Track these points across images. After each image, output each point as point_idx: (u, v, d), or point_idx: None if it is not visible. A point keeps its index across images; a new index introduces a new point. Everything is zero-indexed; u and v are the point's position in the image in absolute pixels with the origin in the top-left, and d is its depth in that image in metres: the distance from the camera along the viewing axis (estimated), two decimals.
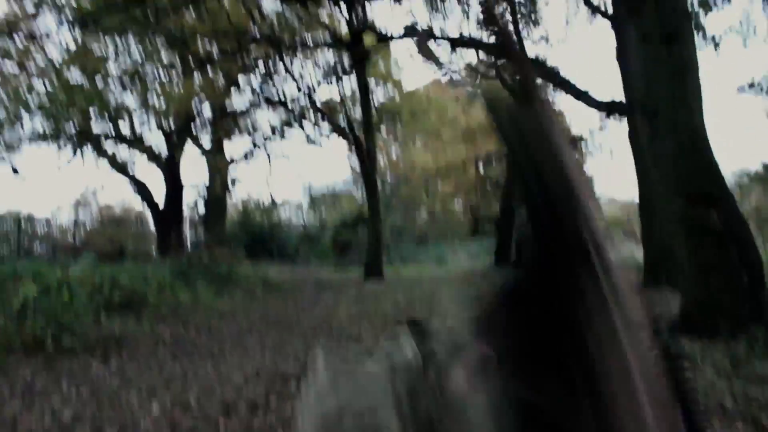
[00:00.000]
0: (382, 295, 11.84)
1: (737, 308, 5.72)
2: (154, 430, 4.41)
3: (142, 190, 20.56)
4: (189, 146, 21.11)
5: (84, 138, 18.35)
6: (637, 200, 12.23)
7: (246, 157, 21.86)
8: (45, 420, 4.76)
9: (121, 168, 20.28)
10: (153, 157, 20.28)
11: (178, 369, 6.59)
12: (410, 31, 15.43)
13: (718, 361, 5.14)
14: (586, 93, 12.15)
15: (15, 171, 18.67)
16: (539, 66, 12.62)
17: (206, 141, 21.56)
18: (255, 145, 21.61)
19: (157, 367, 6.74)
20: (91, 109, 17.75)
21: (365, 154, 17.85)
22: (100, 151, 19.78)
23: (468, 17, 16.10)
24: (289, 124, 20.61)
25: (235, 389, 5.49)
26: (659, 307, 8.08)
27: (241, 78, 19.59)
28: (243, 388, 5.53)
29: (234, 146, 38.34)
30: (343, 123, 19.04)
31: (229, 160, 21.18)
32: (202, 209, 24.03)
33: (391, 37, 16.72)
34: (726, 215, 6.16)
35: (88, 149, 19.33)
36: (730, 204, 6.35)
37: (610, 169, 69.74)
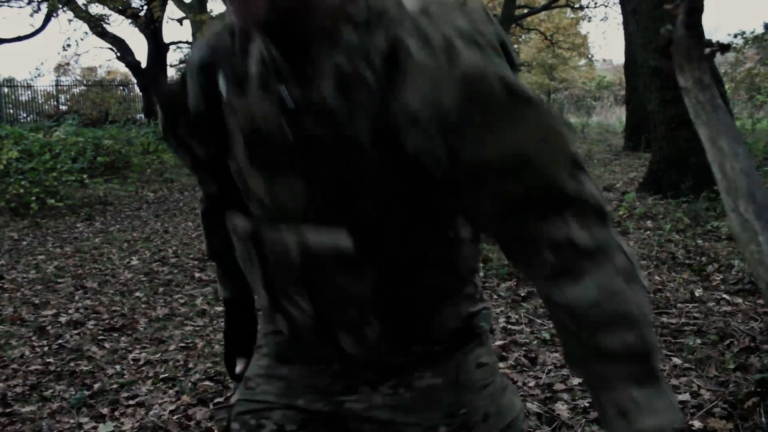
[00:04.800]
0: None
1: (702, 165, 5.80)
2: (132, 282, 4.66)
3: (122, 48, 19.91)
4: (170, 6, 20.18)
5: None
6: None
7: None
8: (30, 274, 5.01)
9: (99, 29, 19.50)
10: (131, 15, 19.46)
11: (159, 227, 6.81)
12: None
13: (678, 218, 5.31)
14: None
15: None
16: None
17: None
18: None
19: (140, 226, 6.97)
20: None
21: None
22: (77, 11, 18.89)
23: None
24: None
25: None
26: (635, 171, 8.21)
27: None
28: None
29: (218, 4, 36.35)
30: None
31: (213, 17, 20.32)
32: None
33: None
34: None
35: (65, 10, 18.46)
36: None
37: (605, 32, 67.50)
